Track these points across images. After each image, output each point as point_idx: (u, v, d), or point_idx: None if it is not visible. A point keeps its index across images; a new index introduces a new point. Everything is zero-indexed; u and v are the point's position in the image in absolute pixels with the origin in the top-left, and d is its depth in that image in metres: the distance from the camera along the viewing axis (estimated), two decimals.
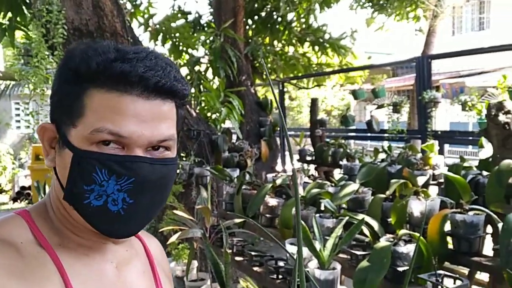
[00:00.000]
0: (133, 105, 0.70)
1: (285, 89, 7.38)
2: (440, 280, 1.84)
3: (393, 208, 2.44)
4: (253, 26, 7.10)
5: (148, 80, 0.70)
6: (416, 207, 2.37)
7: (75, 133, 0.71)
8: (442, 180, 3.33)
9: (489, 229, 2.50)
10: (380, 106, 5.36)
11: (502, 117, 2.94)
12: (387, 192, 2.57)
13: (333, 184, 2.88)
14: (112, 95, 0.70)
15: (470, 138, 4.72)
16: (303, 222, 2.16)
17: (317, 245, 2.14)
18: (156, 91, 0.72)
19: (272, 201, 2.85)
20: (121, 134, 0.69)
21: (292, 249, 2.32)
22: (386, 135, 5.32)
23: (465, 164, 3.00)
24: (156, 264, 0.92)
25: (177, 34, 5.61)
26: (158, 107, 0.73)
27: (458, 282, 1.90)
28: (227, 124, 5.05)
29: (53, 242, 0.75)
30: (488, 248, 2.41)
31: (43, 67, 3.27)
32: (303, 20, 7.02)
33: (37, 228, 0.76)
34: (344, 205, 2.72)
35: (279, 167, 6.12)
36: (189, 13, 6.79)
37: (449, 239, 2.24)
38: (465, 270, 3.53)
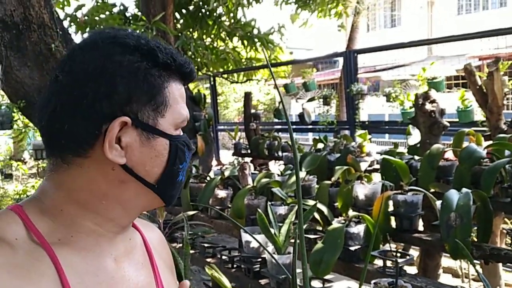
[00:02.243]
0: (183, 92, 0.82)
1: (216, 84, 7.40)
2: (392, 256, 1.99)
3: (339, 193, 2.58)
4: (181, 20, 7.03)
5: (193, 72, 0.83)
6: (361, 191, 2.53)
7: (165, 122, 0.77)
8: (376, 167, 3.57)
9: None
10: (311, 99, 5.57)
11: (428, 106, 3.21)
12: (332, 179, 2.72)
13: (279, 174, 2.97)
14: (178, 84, 0.80)
15: (395, 127, 5.06)
16: (259, 210, 2.23)
17: (273, 231, 2.22)
18: (190, 81, 0.84)
19: (222, 193, 2.89)
20: (187, 120, 0.81)
21: (247, 237, 2.38)
22: (317, 126, 5.54)
23: (398, 150, 3.23)
24: (155, 254, 0.91)
25: (106, 26, 5.40)
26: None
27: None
28: None
29: (51, 238, 0.73)
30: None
31: None
32: (231, 15, 7.07)
33: (32, 224, 0.74)
34: (291, 193, 2.82)
35: (214, 161, 6.14)
36: (114, 5, 6.57)
37: (392, 219, 2.42)
38: (397, 247, 3.82)
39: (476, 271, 1.15)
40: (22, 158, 11.16)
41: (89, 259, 0.77)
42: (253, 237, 1.38)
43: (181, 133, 0.82)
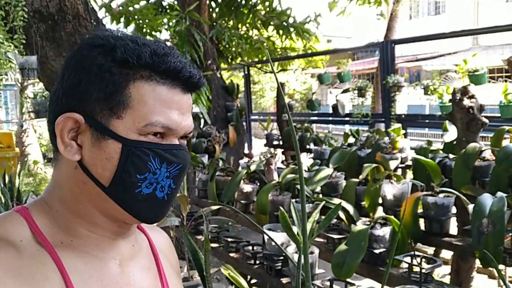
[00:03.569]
0: (177, 99, 0.74)
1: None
2: (416, 261, 1.91)
3: (366, 192, 2.50)
4: (217, 9, 6.99)
5: (194, 77, 0.75)
6: (389, 190, 2.44)
7: (121, 124, 0.72)
8: (409, 163, 3.45)
9: (453, 210, 2.62)
10: (345, 91, 5.44)
11: (466, 101, 3.06)
12: (360, 176, 2.63)
13: (306, 169, 2.91)
14: (160, 88, 0.73)
15: (432, 121, 4.87)
16: (281, 208, 2.18)
17: (295, 230, 2.17)
18: (193, 87, 0.77)
19: (247, 187, 2.86)
20: (170, 127, 0.73)
21: (270, 234, 2.34)
22: (351, 118, 5.41)
23: (432, 148, 3.10)
24: (162, 258, 0.91)
25: (140, 16, 5.45)
26: (189, 101, 0.78)
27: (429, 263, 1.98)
28: (194, 109, 4.99)
29: (54, 240, 0.73)
30: (452, 227, 2.51)
31: (2, 51, 3.10)
32: (267, 3, 6.98)
33: (37, 226, 0.74)
34: (318, 190, 2.76)
35: (246, 151, 6.13)
36: None
37: (421, 221, 2.33)
38: (428, 249, 3.69)
39: (503, 280, 1.07)
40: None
41: (93, 264, 0.76)
42: (271, 238, 1.34)
43: (153, 140, 0.73)
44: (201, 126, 5.17)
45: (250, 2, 6.85)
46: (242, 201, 2.87)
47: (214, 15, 6.82)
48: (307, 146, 4.85)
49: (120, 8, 5.47)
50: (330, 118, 6.11)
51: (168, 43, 0.84)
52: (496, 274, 3.92)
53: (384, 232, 2.12)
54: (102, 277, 0.76)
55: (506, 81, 4.47)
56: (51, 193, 0.79)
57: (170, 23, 5.77)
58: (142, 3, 6.08)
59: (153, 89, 0.72)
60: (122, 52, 0.71)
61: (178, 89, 0.74)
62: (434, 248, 3.52)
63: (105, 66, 0.72)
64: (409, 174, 3.23)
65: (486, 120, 3.07)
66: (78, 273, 0.73)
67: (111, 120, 0.72)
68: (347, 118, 5.59)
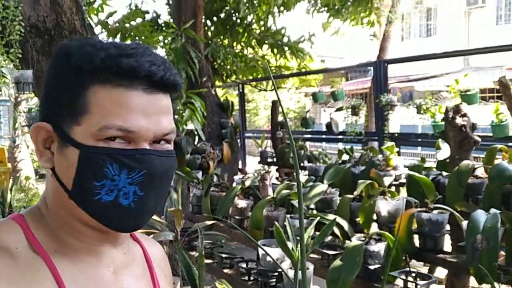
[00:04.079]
0: (139, 100, 0.70)
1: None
2: (411, 278, 1.91)
3: (361, 208, 2.51)
4: (212, 27, 7.08)
5: (155, 75, 0.71)
6: (384, 206, 2.45)
7: (80, 130, 0.70)
8: (402, 181, 3.47)
9: (447, 227, 2.62)
10: (339, 109, 5.49)
11: (459, 120, 3.09)
12: (355, 193, 2.64)
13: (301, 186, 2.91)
14: (118, 90, 0.70)
15: (425, 140, 4.92)
16: (276, 223, 2.18)
17: (290, 246, 2.17)
18: (160, 86, 0.73)
19: (242, 203, 2.86)
20: (129, 130, 0.70)
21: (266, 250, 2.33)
22: (345, 137, 5.45)
23: (425, 165, 3.13)
24: (157, 268, 0.91)
25: (137, 33, 5.50)
26: (160, 101, 0.73)
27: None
28: (189, 125, 5.00)
29: (48, 248, 0.73)
30: (446, 245, 2.52)
31: None
32: (262, 22, 7.08)
33: (32, 233, 0.74)
34: (312, 206, 2.76)
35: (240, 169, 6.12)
36: (147, 12, 6.67)
37: (415, 237, 2.33)
38: (421, 268, 3.68)
39: None
40: None
41: (88, 271, 0.76)
42: (267, 253, 1.34)
43: (113, 146, 0.70)
44: (196, 143, 5.17)
45: (245, 21, 6.95)
46: (237, 217, 2.86)
47: (209, 33, 6.90)
48: (301, 164, 4.86)
49: (117, 24, 5.52)
50: (324, 136, 6.15)
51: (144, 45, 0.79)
52: None
53: (379, 248, 2.12)
54: (96, 284, 0.76)
55: (497, 101, 4.52)
56: (43, 200, 0.80)
57: (166, 41, 5.82)
58: (139, 20, 6.15)
59: (109, 92, 0.70)
60: (76, 58, 0.71)
61: (139, 90, 0.71)
62: (428, 268, 3.51)
63: (63, 73, 0.72)
64: (403, 191, 3.24)
65: (479, 138, 3.10)
66: (73, 280, 0.72)
67: (72, 127, 0.71)
68: (340, 136, 5.63)
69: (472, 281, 3.48)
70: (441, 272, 3.68)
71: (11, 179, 7.10)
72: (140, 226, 0.77)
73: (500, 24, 16.20)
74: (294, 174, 5.20)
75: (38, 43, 3.62)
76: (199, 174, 4.07)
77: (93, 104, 0.70)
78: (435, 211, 2.29)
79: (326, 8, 8.40)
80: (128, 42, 0.82)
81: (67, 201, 0.73)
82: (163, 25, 6.67)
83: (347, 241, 2.23)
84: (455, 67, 13.61)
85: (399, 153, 4.55)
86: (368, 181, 2.63)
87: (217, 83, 7.07)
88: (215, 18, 6.92)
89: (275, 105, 5.70)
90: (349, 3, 8.19)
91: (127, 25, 5.65)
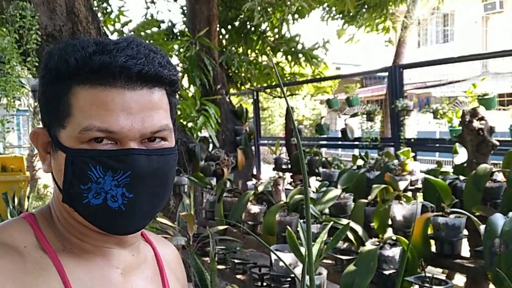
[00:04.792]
0: (119, 98, 0.68)
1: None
2: (427, 283, 1.86)
3: (375, 213, 2.46)
4: (227, 35, 7.12)
5: (130, 69, 0.67)
6: (399, 211, 2.40)
7: (65, 133, 0.70)
8: (419, 186, 3.40)
9: (465, 232, 2.56)
10: (354, 115, 5.44)
11: (476, 123, 3.03)
12: (369, 197, 2.60)
13: (314, 190, 2.89)
14: (96, 90, 0.68)
15: (442, 145, 4.84)
16: (289, 228, 2.15)
17: (303, 250, 2.14)
18: (141, 80, 0.69)
19: (254, 208, 2.84)
20: (110, 130, 0.67)
21: (278, 255, 2.31)
22: (360, 143, 5.39)
23: (442, 169, 3.07)
24: (168, 270, 0.89)
25: (152, 42, 5.56)
26: (146, 97, 0.70)
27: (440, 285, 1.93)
28: (203, 132, 5.02)
29: (56, 247, 0.74)
30: (464, 250, 2.45)
31: (15, 73, 3.16)
32: (276, 30, 7.09)
33: (41, 233, 0.74)
34: (326, 211, 2.73)
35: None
36: (162, 21, 6.75)
37: (432, 242, 2.28)
38: (438, 274, 3.60)
39: None
40: None
41: (95, 272, 0.76)
42: (279, 257, 1.32)
43: (98, 148, 0.68)
44: (210, 149, 5.18)
45: (260, 29, 6.97)
46: (249, 222, 2.84)
47: (224, 41, 6.94)
48: (316, 170, 4.82)
49: (132, 33, 5.59)
50: (339, 142, 6.10)
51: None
52: None
53: (393, 252, 2.08)
54: (103, 285, 0.75)
55: None
56: (52, 201, 0.80)
57: (181, 49, 5.88)
58: (154, 29, 6.22)
59: (88, 92, 0.68)
60: (55, 60, 0.70)
61: (119, 88, 0.68)
62: (445, 275, 3.43)
63: (46, 77, 0.72)
64: (419, 197, 3.19)
65: (497, 142, 3.03)
66: (80, 281, 0.72)
67: (59, 131, 0.71)
68: (356, 142, 5.57)
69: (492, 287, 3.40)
70: (459, 280, 3.59)
71: (29, 187, 7.20)
72: (136, 228, 0.75)
73: None
74: (309, 180, 5.16)
75: (45, 51, 3.69)
76: (213, 181, 4.07)
77: (75, 106, 0.69)
78: (451, 215, 2.24)
79: (340, 15, 8.39)
80: (120, 37, 0.80)
81: (65, 204, 0.73)
82: (178, 33, 6.73)
83: (361, 246, 2.19)
84: (473, 73, 13.42)
85: (415, 158, 4.48)
86: (383, 186, 2.59)
87: (232, 90, 7.10)
88: (229, 27, 6.96)
89: (289, 111, 5.68)
90: (364, 10, 8.17)
91: (142, 33, 5.72)
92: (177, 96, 0.84)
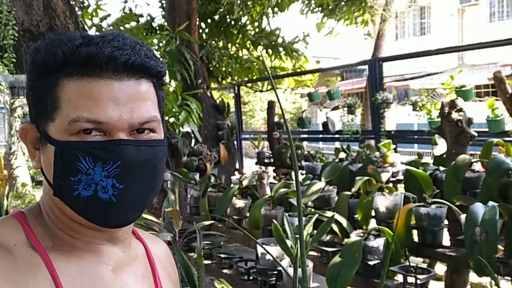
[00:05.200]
0: (106, 89, 0.68)
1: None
2: (412, 272, 1.91)
3: (359, 205, 2.50)
4: (207, 29, 7.08)
5: (117, 59, 0.68)
6: (382, 202, 2.44)
7: (54, 126, 0.70)
8: (400, 177, 3.46)
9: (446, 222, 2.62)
10: (335, 108, 5.49)
11: (455, 115, 3.09)
12: (352, 189, 2.64)
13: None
14: (83, 81, 0.68)
15: (421, 137, 4.92)
16: (274, 221, 2.17)
17: (289, 243, 2.16)
18: (128, 70, 0.69)
19: (239, 203, 2.85)
20: (99, 121, 0.67)
21: (263, 249, 2.32)
22: (341, 136, 5.45)
23: (422, 161, 3.12)
24: (160, 268, 0.89)
25: (131, 36, 5.49)
26: (134, 88, 0.70)
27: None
28: (185, 127, 5.00)
29: (46, 245, 0.73)
30: (445, 239, 2.51)
31: None
32: (256, 24, 7.08)
33: (31, 230, 0.74)
34: (310, 203, 2.76)
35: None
36: (141, 15, 6.68)
37: (414, 233, 2.33)
38: (419, 263, 3.68)
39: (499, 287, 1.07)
40: None
41: (85, 269, 0.75)
42: (266, 251, 1.34)
43: (87, 139, 0.68)
44: (192, 145, 5.16)
45: (240, 23, 6.96)
46: (235, 217, 2.85)
47: (204, 35, 6.90)
48: (299, 163, 4.86)
49: (111, 27, 5.51)
50: (321, 136, 6.15)
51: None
52: (489, 286, 3.92)
53: (378, 243, 2.11)
54: (93, 282, 0.75)
55: (493, 97, 4.54)
56: (42, 198, 0.79)
57: (161, 43, 5.82)
58: (133, 23, 6.15)
59: (76, 84, 0.68)
60: (42, 54, 0.70)
61: (106, 79, 0.68)
62: (426, 264, 3.51)
63: (33, 72, 0.72)
64: (400, 188, 3.24)
65: (475, 133, 3.10)
66: (70, 277, 0.72)
67: (48, 124, 0.71)
68: (337, 136, 5.62)
69: (472, 277, 3.49)
70: (439, 269, 3.68)
71: (7, 185, 7.07)
72: (127, 220, 0.74)
73: (493, 21, 16.27)
74: (292, 173, 5.20)
75: (32, 47, 3.62)
76: (196, 176, 4.06)
77: (62, 99, 0.69)
78: (433, 206, 2.29)
79: (320, 9, 8.44)
80: (106, 31, 0.80)
81: (56, 199, 0.73)
82: (157, 28, 6.66)
83: (346, 238, 2.23)
84: (450, 65, 13.65)
85: (396, 150, 4.55)
86: (366, 178, 2.63)
87: (213, 85, 7.07)
88: (209, 20, 6.93)
89: (272, 105, 5.69)
90: (342, 3, 8.23)
91: (121, 28, 5.64)
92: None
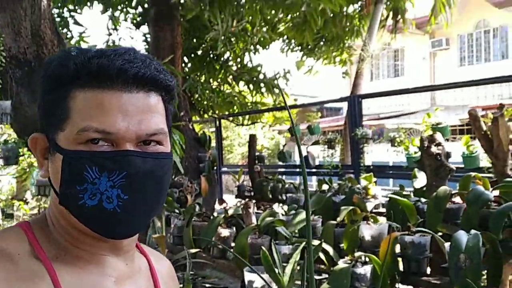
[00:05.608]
0: (116, 100, 0.70)
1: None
2: None
3: (345, 234, 2.53)
4: (190, 63, 7.20)
5: (127, 71, 0.70)
6: (367, 231, 2.48)
7: (63, 136, 0.71)
8: (381, 210, 3.52)
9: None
10: (315, 142, 5.58)
11: (434, 149, 3.20)
12: (338, 219, 2.68)
13: (284, 213, 2.93)
14: (94, 92, 0.70)
15: (400, 172, 5.04)
16: (263, 248, 2.18)
17: (277, 271, 2.17)
18: (138, 83, 0.71)
19: (225, 232, 2.85)
20: (107, 131, 0.69)
21: (251, 277, 2.31)
22: (321, 170, 5.52)
23: (404, 192, 3.20)
24: (162, 284, 0.89)
25: None
26: (143, 100, 0.72)
27: None
28: None
29: (50, 255, 0.73)
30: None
31: None
32: (238, 59, 7.25)
33: (36, 240, 0.74)
34: (296, 233, 2.77)
35: (216, 204, 6.08)
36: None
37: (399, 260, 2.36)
38: None
39: None
40: (24, 198, 11.13)
41: (88, 280, 0.75)
42: (259, 274, 1.35)
43: (95, 149, 0.69)
44: (173, 176, 5.14)
45: (222, 58, 7.10)
46: (220, 246, 2.83)
47: (187, 69, 7.00)
48: (279, 197, 4.88)
49: None
50: (301, 170, 6.21)
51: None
52: None
53: (365, 270, 2.14)
54: None
55: (467, 135, 4.71)
56: (48, 208, 0.80)
57: None
58: None
59: (87, 95, 0.70)
60: (54, 65, 0.72)
61: (116, 90, 0.70)
62: None
63: (46, 82, 0.74)
64: (382, 220, 3.29)
65: (453, 167, 3.21)
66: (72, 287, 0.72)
67: (57, 133, 0.72)
68: (318, 170, 5.70)
69: None
70: None
71: None
72: (131, 232, 0.75)
73: (463, 65, 17.03)
74: (272, 207, 5.20)
75: (17, 74, 3.62)
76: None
77: (73, 109, 0.70)
78: (417, 234, 2.34)
79: (300, 47, 8.70)
80: (119, 46, 0.83)
81: (62, 208, 0.73)
82: None
83: (332, 266, 2.25)
84: (423, 106, 14.11)
85: (376, 184, 4.63)
86: (351, 207, 2.68)
87: (194, 118, 7.12)
88: (192, 55, 7.05)
89: (253, 139, 5.75)
90: (321, 43, 8.51)
91: None
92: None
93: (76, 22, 6.74)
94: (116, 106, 0.69)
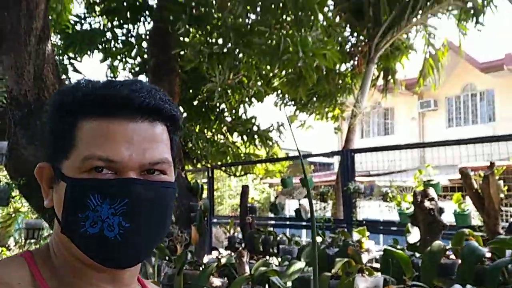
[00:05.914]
0: (121, 129, 0.71)
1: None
2: None
3: (340, 286, 2.50)
4: (185, 113, 7.30)
5: (133, 100, 0.71)
6: (362, 284, 2.45)
7: (68, 164, 0.72)
8: (375, 265, 3.49)
9: None
10: (307, 196, 5.58)
11: (427, 203, 3.23)
12: (333, 271, 2.65)
13: (277, 264, 2.89)
14: (99, 121, 0.71)
15: (392, 228, 5.03)
16: None
17: None
18: (143, 112, 0.72)
19: (217, 281, 2.79)
20: (110, 159, 0.69)
21: None
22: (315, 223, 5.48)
23: (398, 247, 3.19)
24: None
25: None
26: (148, 129, 0.73)
27: None
28: None
29: (51, 285, 0.73)
30: None
31: None
32: (233, 111, 7.38)
33: (38, 270, 0.74)
34: (289, 284, 2.72)
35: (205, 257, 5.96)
36: None
37: None
38: None
39: None
40: (7, 245, 10.83)
41: None
42: None
43: (98, 177, 0.69)
44: None
45: (218, 109, 7.22)
46: None
47: (182, 118, 7.09)
48: (271, 250, 4.81)
49: None
50: (294, 222, 6.17)
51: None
52: None
53: None
54: None
55: (459, 192, 4.75)
56: (51, 239, 0.80)
57: None
58: None
59: (93, 124, 0.71)
60: (62, 95, 0.75)
61: (122, 119, 0.71)
62: None
63: (53, 112, 0.77)
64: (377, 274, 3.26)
65: (447, 223, 3.23)
66: None
67: (63, 162, 0.73)
68: (308, 223, 5.66)
69: None
70: None
71: None
72: (131, 261, 0.74)
73: (451, 126, 17.41)
74: (265, 258, 5.11)
75: (17, 115, 3.65)
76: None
77: (79, 137, 0.71)
78: None
79: (293, 102, 8.90)
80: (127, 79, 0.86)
81: (64, 237, 0.73)
82: None
83: None
84: (413, 165, 14.28)
85: (368, 238, 4.61)
86: (346, 259, 2.66)
87: (187, 167, 7.13)
88: (188, 105, 7.17)
89: (245, 190, 5.74)
90: (314, 99, 8.73)
91: None
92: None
93: (75, 70, 6.87)
94: (121, 135, 0.70)
